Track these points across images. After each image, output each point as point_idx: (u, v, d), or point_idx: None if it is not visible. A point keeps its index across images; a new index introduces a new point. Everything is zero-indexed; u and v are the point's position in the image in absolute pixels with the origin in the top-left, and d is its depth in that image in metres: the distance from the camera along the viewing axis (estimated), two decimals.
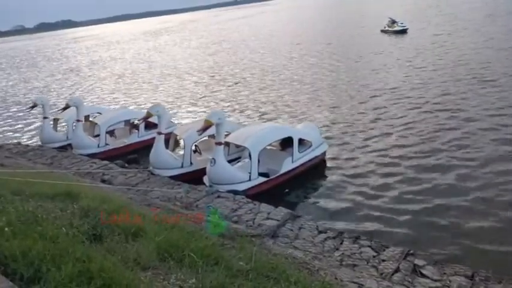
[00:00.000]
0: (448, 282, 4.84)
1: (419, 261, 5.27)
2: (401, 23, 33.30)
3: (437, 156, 9.85)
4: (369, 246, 5.72)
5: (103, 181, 9.06)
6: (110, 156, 11.78)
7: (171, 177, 9.29)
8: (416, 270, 5.10)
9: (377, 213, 7.84)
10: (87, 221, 4.03)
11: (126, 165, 11.11)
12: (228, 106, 17.57)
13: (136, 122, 12.92)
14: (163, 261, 3.57)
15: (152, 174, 9.55)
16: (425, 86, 16.25)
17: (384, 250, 5.61)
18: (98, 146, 12.13)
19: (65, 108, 12.31)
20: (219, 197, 7.85)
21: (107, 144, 12.28)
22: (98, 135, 12.34)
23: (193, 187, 8.36)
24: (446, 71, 18.25)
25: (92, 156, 11.53)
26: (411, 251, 5.52)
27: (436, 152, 10.09)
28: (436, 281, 4.88)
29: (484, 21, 32.88)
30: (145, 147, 11.32)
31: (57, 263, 2.90)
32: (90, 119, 13.75)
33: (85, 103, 14.69)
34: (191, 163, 9.79)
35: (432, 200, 8.03)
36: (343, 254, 5.54)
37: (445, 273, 5.02)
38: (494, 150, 9.75)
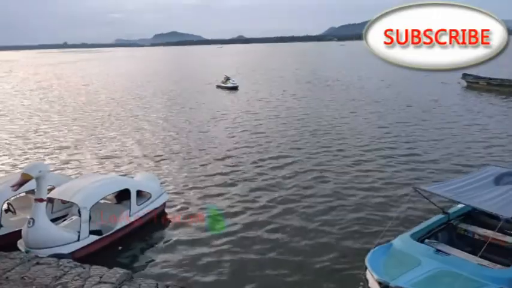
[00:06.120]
0: None
1: None
2: (233, 81, 36.59)
3: (273, 203, 10.62)
4: None
5: None
6: None
7: None
8: None
9: (218, 264, 7.87)
10: None
11: None
12: (52, 156, 15.61)
13: None
14: None
15: None
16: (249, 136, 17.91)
17: None
18: None
19: None
20: (38, 263, 6.61)
21: None
22: None
23: (2, 255, 6.87)
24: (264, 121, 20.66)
25: None
26: None
27: (273, 199, 10.87)
28: None
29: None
30: None
31: None
32: None
33: None
34: (1, 225, 8.14)
35: (268, 246, 8.54)
36: None
37: None
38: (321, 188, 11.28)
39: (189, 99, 31.12)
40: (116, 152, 16.10)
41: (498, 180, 7.74)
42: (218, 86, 37.25)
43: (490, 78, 30.98)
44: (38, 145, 17.52)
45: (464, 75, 32.88)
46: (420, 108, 23.74)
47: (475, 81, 31.98)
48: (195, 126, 20.85)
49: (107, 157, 15.42)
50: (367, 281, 6.29)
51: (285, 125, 20.30)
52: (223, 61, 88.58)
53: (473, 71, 30.54)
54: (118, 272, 6.21)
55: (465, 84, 32.91)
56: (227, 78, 37.24)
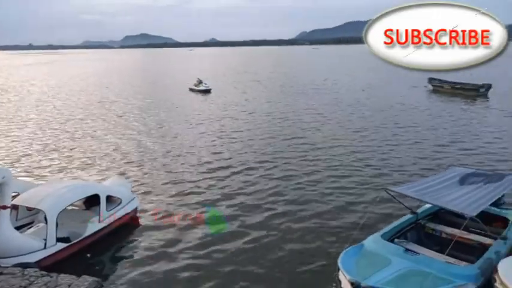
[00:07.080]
0: None
1: None
2: (205, 84, 36.39)
3: (246, 209, 10.55)
4: None
5: None
6: None
7: None
8: None
9: (189, 271, 7.76)
10: None
11: None
12: (17, 162, 15.00)
13: None
14: None
15: None
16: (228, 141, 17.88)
17: None
18: None
19: None
20: (1, 274, 6.35)
21: None
22: None
23: None
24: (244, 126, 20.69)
25: None
26: None
27: (246, 205, 10.79)
28: None
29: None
30: None
31: None
32: None
33: None
34: None
35: (241, 252, 8.52)
36: None
37: None
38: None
39: (161, 102, 30.67)
40: (85, 157, 15.64)
41: (463, 180, 8.08)
42: (191, 89, 36.94)
43: (454, 82, 32.27)
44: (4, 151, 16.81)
45: (431, 80, 34.11)
46: (390, 112, 24.40)
47: (440, 85, 33.25)
48: (168, 129, 20.56)
49: (76, 162, 14.95)
50: (340, 281, 6.38)
51: (258, 129, 20.35)
52: (195, 64, 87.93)
53: (439, 76, 31.80)
54: (87, 280, 6.06)
55: (431, 88, 34.15)
56: (199, 81, 37.00)
